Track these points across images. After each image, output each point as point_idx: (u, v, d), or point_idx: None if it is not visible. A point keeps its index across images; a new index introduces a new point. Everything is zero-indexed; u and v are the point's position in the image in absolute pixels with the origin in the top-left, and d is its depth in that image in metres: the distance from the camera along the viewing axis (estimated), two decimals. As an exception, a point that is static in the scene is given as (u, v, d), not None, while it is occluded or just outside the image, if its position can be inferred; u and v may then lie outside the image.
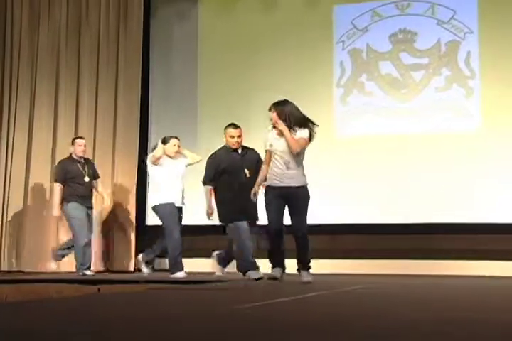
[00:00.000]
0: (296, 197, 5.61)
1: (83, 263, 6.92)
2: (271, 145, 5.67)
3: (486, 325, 2.56)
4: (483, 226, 7.08)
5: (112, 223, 8.00)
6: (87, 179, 7.18)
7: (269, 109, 5.66)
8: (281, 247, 5.59)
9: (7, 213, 8.36)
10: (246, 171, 6.27)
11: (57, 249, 7.33)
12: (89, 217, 7.16)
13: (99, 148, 8.27)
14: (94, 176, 7.36)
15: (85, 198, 7.17)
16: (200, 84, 8.34)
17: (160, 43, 8.64)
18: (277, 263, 5.60)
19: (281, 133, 5.61)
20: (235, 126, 6.36)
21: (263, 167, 5.79)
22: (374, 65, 7.92)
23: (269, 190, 5.67)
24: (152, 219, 8.12)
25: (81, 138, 7.54)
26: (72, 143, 7.34)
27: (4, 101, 8.65)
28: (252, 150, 6.47)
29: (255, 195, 5.74)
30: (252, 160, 6.32)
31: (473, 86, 7.56)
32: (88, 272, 6.91)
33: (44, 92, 8.50)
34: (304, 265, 5.59)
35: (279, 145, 5.63)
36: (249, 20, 8.25)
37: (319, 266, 7.21)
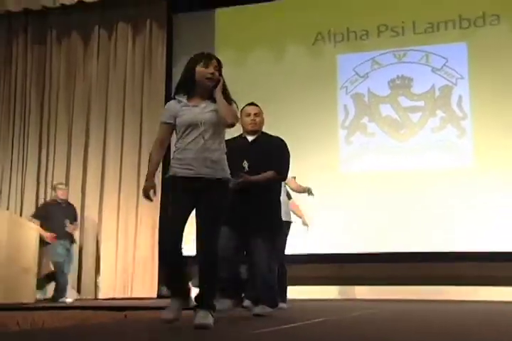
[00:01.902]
0: (210, 196, 3.50)
1: None
2: (175, 117, 3.58)
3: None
4: (480, 255, 7.11)
5: (135, 252, 8.12)
6: None
7: (202, 61, 3.57)
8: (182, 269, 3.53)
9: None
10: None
11: None
12: None
13: (124, 184, 8.44)
14: None
15: None
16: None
17: (182, 90, 8.81)
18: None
19: (202, 99, 3.59)
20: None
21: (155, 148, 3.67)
22: (375, 107, 8.06)
23: (171, 180, 3.61)
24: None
25: None
26: None
27: (43, 141, 8.89)
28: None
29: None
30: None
31: (465, 126, 7.66)
32: None
33: (78, 133, 8.73)
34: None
35: (197, 115, 3.54)
36: (261, 69, 8.42)
37: (325, 292, 7.33)
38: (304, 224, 6.24)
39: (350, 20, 8.20)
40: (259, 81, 8.35)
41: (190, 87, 3.60)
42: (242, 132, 4.71)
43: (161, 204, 3.50)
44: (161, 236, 3.60)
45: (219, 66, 3.61)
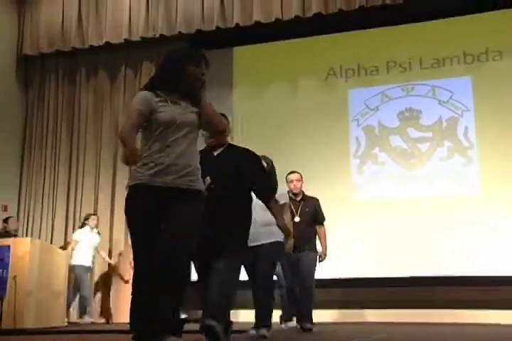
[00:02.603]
0: (186, 205, 3.02)
1: None
2: (151, 111, 3.08)
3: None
4: (481, 279, 7.20)
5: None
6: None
7: (194, 60, 3.19)
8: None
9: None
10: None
11: None
12: None
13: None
14: None
15: None
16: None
17: (201, 123, 9.06)
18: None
19: (182, 99, 3.15)
20: None
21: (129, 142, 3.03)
22: (385, 138, 8.22)
23: (138, 190, 3.05)
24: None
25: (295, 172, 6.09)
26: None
27: (72, 173, 9.17)
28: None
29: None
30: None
31: (472, 156, 7.80)
32: None
33: (105, 165, 9.00)
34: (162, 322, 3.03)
35: (180, 115, 3.08)
36: (277, 104, 8.62)
37: (337, 315, 7.42)
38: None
39: (361, 57, 8.43)
40: (275, 115, 8.57)
41: (175, 84, 3.14)
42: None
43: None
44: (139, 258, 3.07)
45: (207, 66, 3.21)
